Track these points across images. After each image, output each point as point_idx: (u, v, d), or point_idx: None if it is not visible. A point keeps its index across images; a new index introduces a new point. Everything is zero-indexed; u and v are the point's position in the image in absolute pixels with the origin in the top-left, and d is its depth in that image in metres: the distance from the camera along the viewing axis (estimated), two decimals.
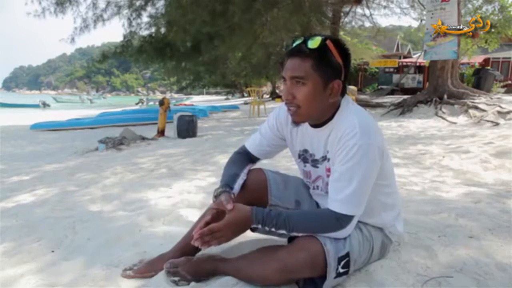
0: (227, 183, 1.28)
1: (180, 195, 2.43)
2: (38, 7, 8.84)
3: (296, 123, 1.21)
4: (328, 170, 1.22)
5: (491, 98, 7.69)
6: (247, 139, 1.46)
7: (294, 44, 1.15)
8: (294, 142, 1.35)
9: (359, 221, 1.21)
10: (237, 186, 1.30)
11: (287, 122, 1.32)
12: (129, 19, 9.99)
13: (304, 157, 1.33)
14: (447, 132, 5.25)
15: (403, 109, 7.77)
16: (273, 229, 1.12)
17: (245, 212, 1.13)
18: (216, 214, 1.16)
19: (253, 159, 1.43)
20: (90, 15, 9.38)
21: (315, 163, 1.29)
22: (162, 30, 10.52)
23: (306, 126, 1.27)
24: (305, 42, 1.12)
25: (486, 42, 12.83)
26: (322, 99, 1.15)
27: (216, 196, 1.23)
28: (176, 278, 1.24)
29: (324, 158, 1.24)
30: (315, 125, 1.24)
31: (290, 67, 1.14)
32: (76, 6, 9.09)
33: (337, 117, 1.19)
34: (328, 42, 1.12)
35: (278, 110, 1.36)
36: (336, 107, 1.20)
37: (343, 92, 1.19)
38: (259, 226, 1.12)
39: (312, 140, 1.27)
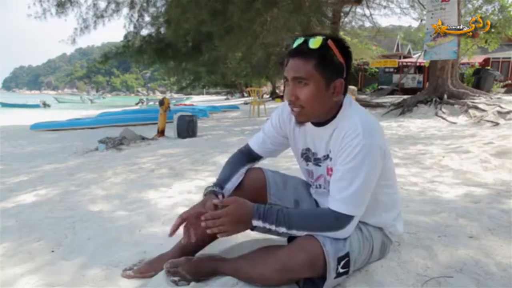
0: (219, 183, 1.31)
1: (180, 195, 2.44)
2: (39, 9, 8.85)
3: (300, 123, 1.22)
4: (330, 169, 1.23)
5: (491, 98, 7.68)
6: (251, 138, 1.46)
7: (295, 44, 1.14)
8: (297, 141, 1.35)
9: (359, 221, 1.21)
10: (230, 185, 1.32)
11: (290, 121, 1.33)
12: (130, 19, 10.01)
13: (306, 155, 1.33)
14: (447, 132, 5.25)
15: (403, 109, 7.76)
16: (273, 226, 1.11)
17: (246, 205, 1.12)
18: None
19: (256, 158, 1.43)
20: (91, 16, 9.39)
21: (317, 161, 1.29)
22: (162, 30, 10.53)
23: (308, 124, 1.27)
24: (306, 42, 1.12)
25: (486, 42, 12.81)
26: (325, 98, 1.15)
27: (205, 194, 1.25)
28: (176, 278, 1.24)
29: (326, 157, 1.24)
30: (317, 124, 1.24)
31: (292, 67, 1.14)
32: (77, 7, 9.10)
33: (339, 116, 1.19)
34: (329, 41, 1.12)
35: (281, 109, 1.36)
36: (339, 106, 1.20)
37: (345, 91, 1.19)
38: (259, 222, 1.11)
39: (314, 138, 1.28)
